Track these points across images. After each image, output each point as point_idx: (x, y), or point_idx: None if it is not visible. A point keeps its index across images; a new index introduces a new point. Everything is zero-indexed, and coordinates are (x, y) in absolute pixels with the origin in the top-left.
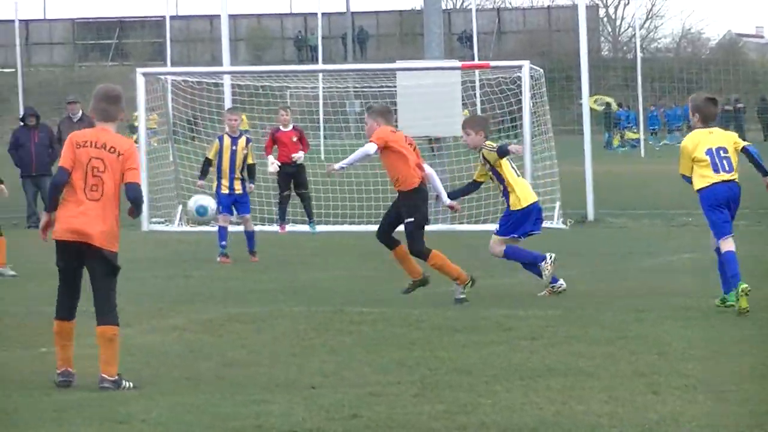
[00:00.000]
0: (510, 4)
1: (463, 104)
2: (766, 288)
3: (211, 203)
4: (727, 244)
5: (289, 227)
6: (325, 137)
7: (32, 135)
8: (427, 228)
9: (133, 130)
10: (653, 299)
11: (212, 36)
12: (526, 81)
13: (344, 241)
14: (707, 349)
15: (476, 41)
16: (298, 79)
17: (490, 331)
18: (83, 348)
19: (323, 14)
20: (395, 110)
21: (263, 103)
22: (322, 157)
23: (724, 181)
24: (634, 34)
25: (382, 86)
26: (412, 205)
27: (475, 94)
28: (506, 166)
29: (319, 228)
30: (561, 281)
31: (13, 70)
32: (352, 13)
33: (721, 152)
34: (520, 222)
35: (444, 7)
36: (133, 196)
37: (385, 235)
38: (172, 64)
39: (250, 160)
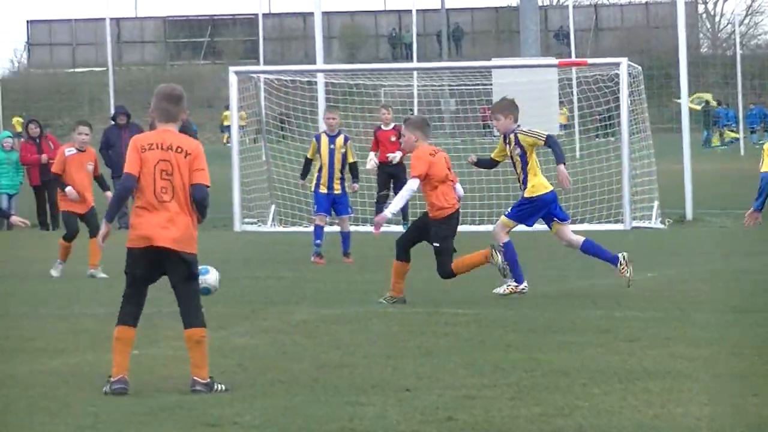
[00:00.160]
0: (607, 0)
1: (560, 102)
2: None
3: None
4: None
5: (384, 228)
6: None
7: (123, 134)
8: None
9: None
10: (753, 300)
11: (305, 34)
12: (624, 78)
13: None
14: None
15: (573, 38)
16: (392, 77)
17: (587, 333)
18: (169, 350)
19: (418, 11)
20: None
21: (357, 102)
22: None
23: None
24: (734, 30)
25: (477, 84)
26: (441, 233)
27: (572, 91)
28: (535, 154)
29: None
30: (525, 284)
31: (104, 68)
32: (447, 9)
33: None
34: (534, 211)
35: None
36: (200, 197)
37: (404, 246)
38: (265, 63)
39: (351, 159)
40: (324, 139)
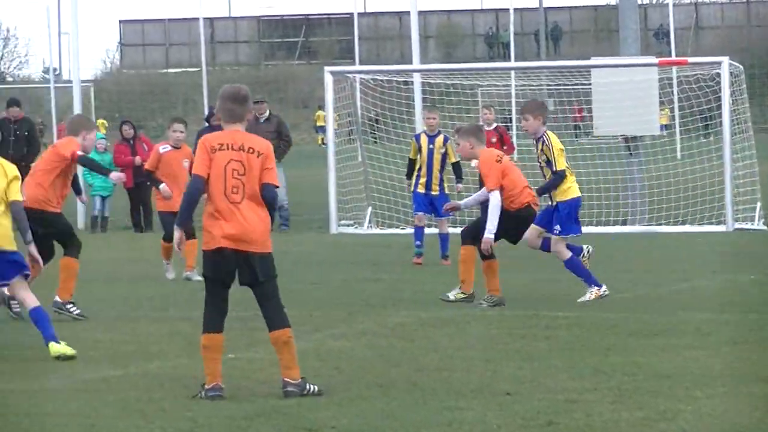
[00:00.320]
0: None
1: (660, 102)
2: None
3: None
4: None
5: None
6: (517, 137)
7: None
8: (624, 229)
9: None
10: None
11: (401, 33)
12: (725, 78)
13: None
14: None
15: (673, 37)
16: (489, 77)
17: (688, 336)
18: (266, 353)
19: (515, 10)
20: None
21: (454, 102)
22: (515, 157)
23: None
24: None
25: (576, 84)
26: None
27: (672, 91)
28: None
29: None
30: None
31: (198, 69)
32: (545, 8)
33: None
34: (574, 214)
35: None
36: (271, 197)
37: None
38: (361, 62)
39: (452, 159)
40: (423, 139)
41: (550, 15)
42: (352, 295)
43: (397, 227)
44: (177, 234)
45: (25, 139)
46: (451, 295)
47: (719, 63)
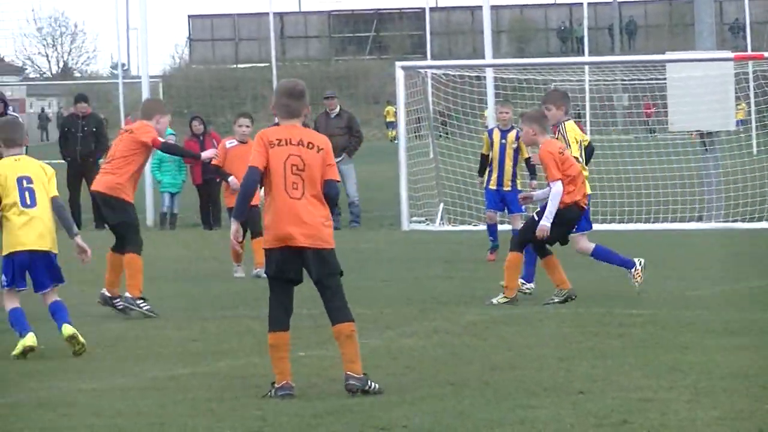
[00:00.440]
0: None
1: (736, 97)
2: None
3: None
4: None
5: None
6: (591, 132)
7: None
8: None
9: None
10: None
11: (473, 28)
12: None
13: (614, 240)
14: None
15: (749, 31)
16: (563, 72)
17: (766, 335)
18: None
19: (589, 4)
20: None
21: (527, 97)
22: None
23: None
24: None
25: (651, 79)
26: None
27: (748, 86)
28: (581, 152)
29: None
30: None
31: (267, 64)
32: (620, 2)
33: None
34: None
35: None
36: (334, 193)
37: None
38: (432, 57)
39: (525, 154)
40: (496, 134)
41: (624, 9)
42: (423, 292)
43: (469, 224)
44: (234, 226)
45: (92, 135)
46: (495, 300)
47: None
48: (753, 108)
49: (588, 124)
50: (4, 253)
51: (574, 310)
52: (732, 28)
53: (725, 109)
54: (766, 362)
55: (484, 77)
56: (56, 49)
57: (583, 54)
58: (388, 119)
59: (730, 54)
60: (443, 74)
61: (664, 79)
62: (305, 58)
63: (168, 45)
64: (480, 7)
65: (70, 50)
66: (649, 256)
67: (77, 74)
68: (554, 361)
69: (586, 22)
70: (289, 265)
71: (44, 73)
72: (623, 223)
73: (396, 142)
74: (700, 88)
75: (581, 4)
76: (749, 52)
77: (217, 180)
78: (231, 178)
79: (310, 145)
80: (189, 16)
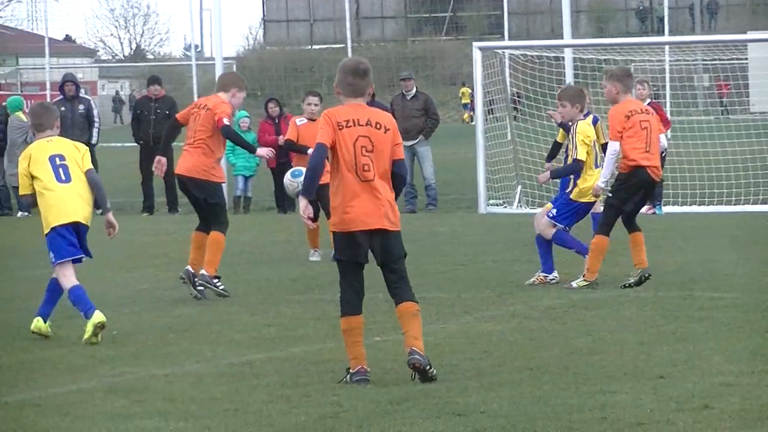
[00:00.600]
0: None
1: None
2: None
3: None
4: None
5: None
6: (671, 113)
7: None
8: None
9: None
10: None
11: (552, 8)
12: None
13: (693, 222)
14: None
15: None
16: (643, 52)
17: None
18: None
19: None
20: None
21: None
22: (669, 135)
23: None
24: None
25: (732, 59)
26: (618, 186)
27: None
28: (593, 156)
29: (666, 209)
30: (555, 273)
31: (343, 45)
32: None
33: None
34: (574, 215)
35: None
36: (404, 173)
37: (628, 218)
38: (510, 38)
39: (601, 140)
40: None
41: None
42: (501, 276)
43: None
44: (303, 203)
45: (165, 117)
46: (575, 284)
47: None
48: None
49: (668, 105)
50: (46, 230)
51: (655, 294)
52: None
53: None
54: None
55: (563, 58)
56: (128, 31)
57: (663, 34)
58: (463, 101)
59: None
60: (521, 55)
61: (746, 59)
62: (381, 39)
63: (242, 26)
64: None
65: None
66: (731, 238)
67: (150, 56)
68: (634, 345)
69: (666, 2)
70: (359, 249)
71: (116, 55)
72: (704, 205)
73: (473, 123)
74: None
75: None
76: None
77: (290, 159)
78: (311, 150)
79: (378, 126)
80: None
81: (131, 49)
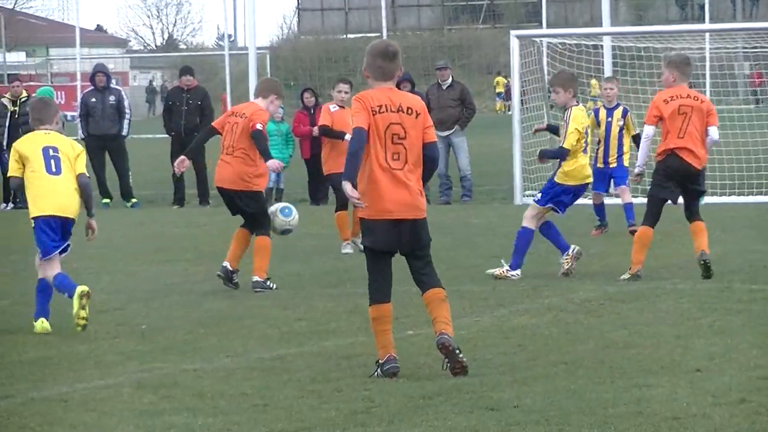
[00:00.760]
0: None
1: None
2: None
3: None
4: None
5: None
6: (711, 102)
7: None
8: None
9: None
10: None
11: None
12: None
13: (733, 212)
14: None
15: None
16: (683, 40)
17: None
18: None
19: None
20: None
21: (645, 66)
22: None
23: None
24: None
25: None
26: (653, 174)
27: None
28: (582, 137)
29: (705, 199)
30: (573, 246)
31: (378, 34)
32: None
33: None
34: (556, 196)
35: None
36: (435, 156)
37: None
38: (548, 26)
39: (632, 132)
40: (602, 113)
41: None
42: (536, 268)
43: (585, 197)
44: (347, 186)
45: (198, 108)
46: (622, 278)
47: None
48: None
49: (708, 93)
50: (31, 215)
51: (692, 286)
52: None
53: None
54: None
55: (601, 46)
56: (161, 21)
57: (703, 21)
58: (497, 90)
59: None
60: (559, 43)
61: None
62: (417, 28)
63: (276, 15)
64: None
65: (175, 21)
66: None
67: (182, 46)
68: (671, 338)
69: None
70: (388, 237)
71: (148, 45)
72: (743, 195)
73: (509, 113)
74: None
75: None
76: None
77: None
78: (348, 136)
79: (409, 111)
80: None
81: (163, 39)
